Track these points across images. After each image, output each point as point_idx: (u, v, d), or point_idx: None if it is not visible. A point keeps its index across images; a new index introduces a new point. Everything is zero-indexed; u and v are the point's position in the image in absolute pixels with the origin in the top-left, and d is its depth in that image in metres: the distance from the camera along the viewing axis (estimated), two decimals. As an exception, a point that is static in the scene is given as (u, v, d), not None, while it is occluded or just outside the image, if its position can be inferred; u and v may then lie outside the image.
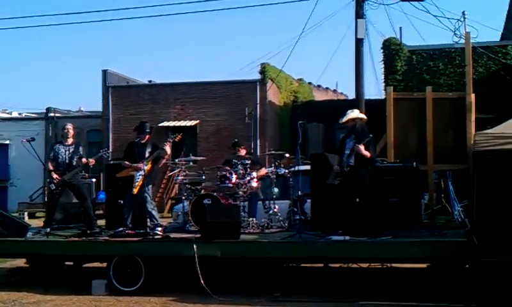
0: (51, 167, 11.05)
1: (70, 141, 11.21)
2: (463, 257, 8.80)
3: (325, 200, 10.38)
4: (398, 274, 10.66)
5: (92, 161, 11.21)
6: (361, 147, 9.42)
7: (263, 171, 12.07)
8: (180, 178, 11.87)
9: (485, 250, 8.24)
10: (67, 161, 11.01)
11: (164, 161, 11.28)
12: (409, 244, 9.20)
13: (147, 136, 10.97)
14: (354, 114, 10.01)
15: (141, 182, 10.63)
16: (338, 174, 9.86)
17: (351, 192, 9.53)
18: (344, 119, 9.92)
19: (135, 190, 10.64)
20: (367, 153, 9.48)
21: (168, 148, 10.90)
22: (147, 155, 10.74)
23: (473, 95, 11.79)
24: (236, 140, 12.62)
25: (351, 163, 9.54)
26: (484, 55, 22.70)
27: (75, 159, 11.04)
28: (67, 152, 11.06)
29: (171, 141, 11.13)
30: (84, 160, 11.12)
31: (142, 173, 10.63)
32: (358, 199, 9.48)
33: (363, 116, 10.08)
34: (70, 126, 11.38)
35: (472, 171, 9.50)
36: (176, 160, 12.55)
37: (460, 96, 12.15)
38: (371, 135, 9.61)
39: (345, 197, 9.60)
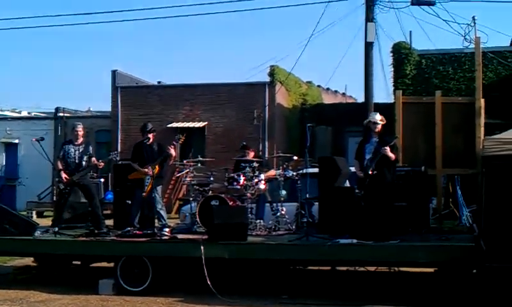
0: (60, 167, 11.07)
1: (79, 140, 11.22)
2: (471, 262, 8.79)
3: (333, 203, 10.39)
4: (405, 278, 10.64)
5: (101, 164, 11.25)
6: (388, 149, 9.45)
7: (271, 172, 12.08)
8: (188, 179, 11.92)
9: (492, 255, 8.22)
10: (76, 161, 11.04)
11: (170, 161, 11.41)
12: (416, 248, 9.19)
13: (151, 136, 11.08)
14: (381, 118, 9.88)
15: (150, 186, 10.78)
16: (360, 179, 9.78)
17: (375, 196, 9.51)
18: (380, 126, 9.75)
19: (145, 194, 10.81)
20: (393, 155, 9.53)
21: (172, 151, 11.09)
22: (154, 155, 10.88)
23: (482, 100, 11.77)
24: (244, 143, 12.64)
25: (374, 167, 9.49)
26: (493, 60, 22.62)
27: (84, 159, 11.06)
28: (77, 152, 11.09)
29: (176, 143, 11.24)
30: (94, 159, 11.13)
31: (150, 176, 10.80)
32: (379, 202, 9.46)
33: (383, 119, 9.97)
34: (79, 128, 11.26)
35: (480, 176, 9.48)
36: (185, 161, 12.59)
37: (469, 101, 12.14)
38: (397, 136, 9.51)
39: (369, 201, 9.56)
